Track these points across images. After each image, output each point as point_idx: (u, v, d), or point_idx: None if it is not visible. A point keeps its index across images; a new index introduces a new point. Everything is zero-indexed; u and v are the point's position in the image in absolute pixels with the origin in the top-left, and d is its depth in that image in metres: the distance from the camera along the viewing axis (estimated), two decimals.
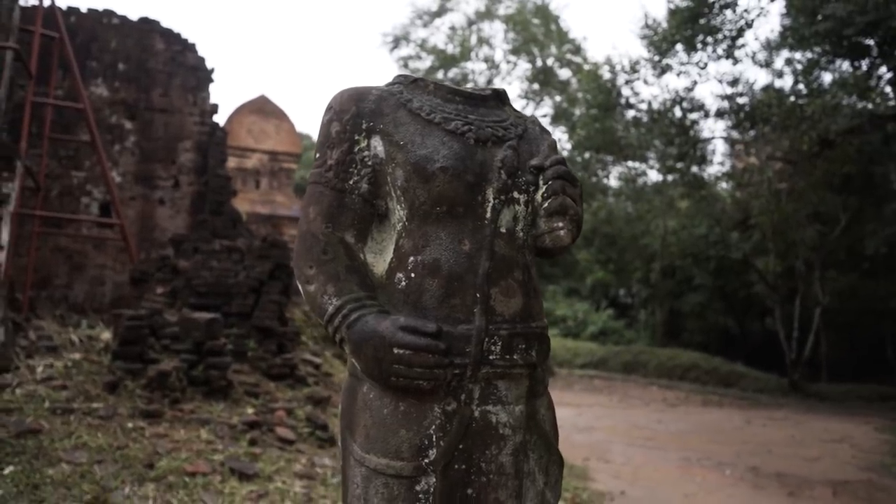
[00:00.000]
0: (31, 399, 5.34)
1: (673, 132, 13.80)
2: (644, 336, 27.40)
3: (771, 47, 13.74)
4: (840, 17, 9.75)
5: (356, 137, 1.48)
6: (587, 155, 18.03)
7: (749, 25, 12.88)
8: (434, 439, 1.35)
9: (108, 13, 12.51)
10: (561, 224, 1.44)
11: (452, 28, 21.47)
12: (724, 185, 22.85)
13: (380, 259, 1.49)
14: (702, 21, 12.65)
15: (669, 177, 17.18)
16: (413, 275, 1.42)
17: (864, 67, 11.56)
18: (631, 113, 16.12)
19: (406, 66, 21.94)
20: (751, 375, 20.26)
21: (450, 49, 21.15)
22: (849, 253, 19.78)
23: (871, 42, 10.39)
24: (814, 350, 21.33)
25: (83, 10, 12.41)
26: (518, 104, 22.48)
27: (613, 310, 29.50)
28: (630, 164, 18.89)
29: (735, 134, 15.59)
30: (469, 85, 21.51)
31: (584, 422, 10.88)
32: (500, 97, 1.63)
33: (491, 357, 1.38)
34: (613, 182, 24.77)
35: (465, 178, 1.41)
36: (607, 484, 6.35)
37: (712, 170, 22.05)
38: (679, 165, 14.83)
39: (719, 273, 23.75)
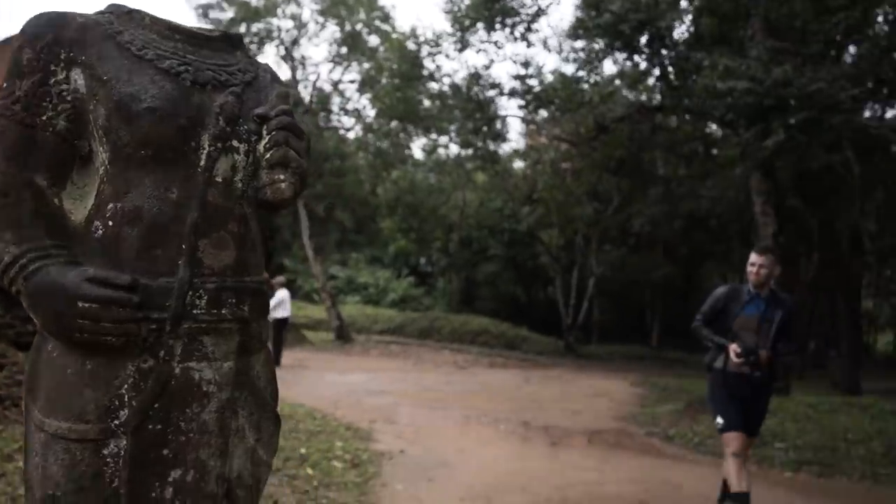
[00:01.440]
0: None
1: (471, 108, 14.34)
2: (441, 303, 28.51)
3: (560, 35, 14.71)
4: (617, 13, 10.68)
5: (52, 68, 1.31)
6: (393, 124, 18.16)
7: (543, 12, 13.66)
8: (126, 399, 1.25)
9: None
10: (282, 176, 1.39)
11: None
12: (518, 162, 24.31)
13: (80, 206, 1.34)
14: (500, 3, 13.17)
15: (467, 150, 17.89)
16: (111, 223, 1.29)
17: (639, 61, 12.82)
18: (434, 86, 16.49)
19: (206, 15, 20.51)
20: (533, 339, 21.93)
21: (254, 2, 20.02)
22: (620, 230, 22.04)
23: (643, 39, 11.51)
24: (587, 316, 23.64)
25: None
26: (325, 67, 21.98)
27: (414, 278, 30.30)
28: (433, 136, 19.33)
29: (527, 114, 16.55)
30: (274, 43, 20.64)
31: (376, 386, 11.09)
32: (232, 40, 1.53)
33: (195, 311, 1.30)
34: (418, 153, 25.31)
35: (176, 121, 1.31)
36: (389, 444, 6.53)
37: (509, 147, 23.39)
38: (475, 140, 15.47)
39: (511, 244, 25.34)
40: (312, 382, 11.02)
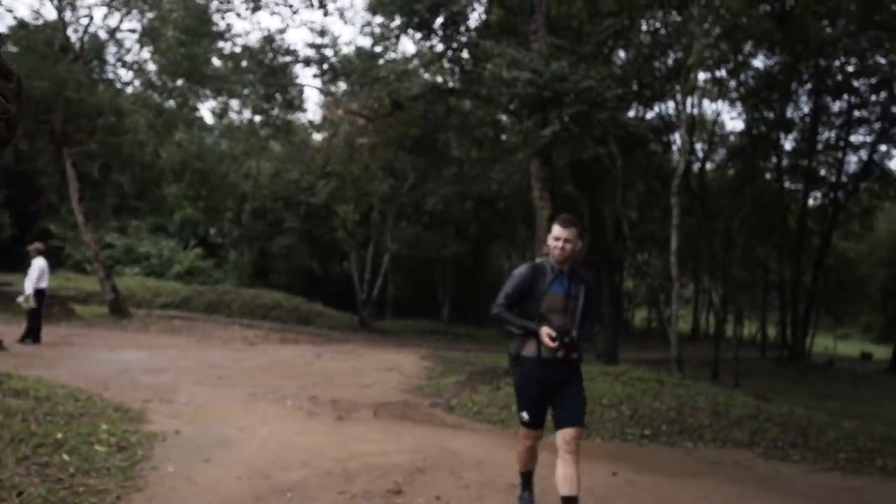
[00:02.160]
0: None
1: (263, 72, 13.79)
2: (232, 276, 27.35)
3: (358, 8, 14.62)
4: None
5: None
6: (179, 83, 16.87)
7: None
8: None
9: None
10: None
11: None
12: (318, 134, 23.89)
13: None
14: None
15: (259, 117, 17.20)
16: None
17: (434, 43, 13.14)
18: (225, 45, 15.57)
19: None
20: (327, 314, 21.89)
21: None
22: (415, 207, 22.66)
23: (438, 21, 11.82)
24: (382, 291, 24.08)
25: None
26: (100, 12, 19.70)
27: (202, 249, 28.66)
28: (223, 98, 18.30)
29: (323, 84, 16.29)
30: None
31: (154, 364, 10.37)
32: None
33: None
34: (208, 117, 23.80)
35: None
36: (163, 424, 6.14)
37: (307, 117, 22.86)
38: (268, 107, 14.93)
39: (308, 218, 24.95)
40: (79, 361, 10.03)
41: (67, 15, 16.84)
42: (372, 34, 13.39)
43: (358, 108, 16.19)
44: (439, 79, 15.61)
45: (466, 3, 11.83)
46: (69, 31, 16.96)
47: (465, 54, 13.15)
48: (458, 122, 17.45)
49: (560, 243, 3.88)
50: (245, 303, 21.59)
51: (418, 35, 12.17)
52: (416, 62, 15.60)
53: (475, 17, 13.70)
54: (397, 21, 11.93)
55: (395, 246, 22.27)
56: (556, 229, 3.94)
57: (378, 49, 13.59)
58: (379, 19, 14.68)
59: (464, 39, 12.48)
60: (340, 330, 20.24)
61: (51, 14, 18.00)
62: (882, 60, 16.81)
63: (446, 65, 13.40)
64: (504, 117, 17.26)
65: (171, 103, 18.20)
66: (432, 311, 27.63)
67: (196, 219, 27.84)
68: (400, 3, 11.18)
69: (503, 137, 19.43)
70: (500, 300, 3.98)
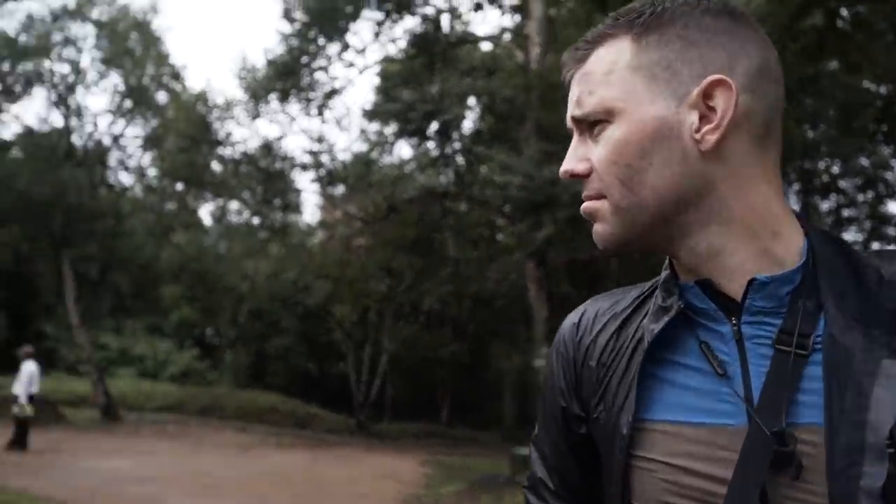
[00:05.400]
0: None
1: (262, 177, 14.19)
2: (228, 378, 26.88)
3: (354, 115, 15.22)
4: (407, 101, 11.35)
5: None
6: (177, 186, 17.31)
7: (337, 92, 14.10)
8: None
9: None
10: None
11: (30, 16, 18.59)
12: (318, 234, 24.18)
13: None
14: (295, 77, 13.40)
15: (258, 219, 17.51)
16: None
17: (431, 148, 13.60)
18: (224, 151, 16.09)
19: None
20: (323, 416, 21.39)
21: (23, 39, 18.16)
22: (412, 307, 22.58)
23: (433, 127, 12.29)
24: (381, 392, 23.65)
25: None
26: (106, 119, 20.41)
27: (199, 349, 28.33)
28: (221, 201, 18.68)
29: (320, 188, 16.70)
30: (45, 87, 18.86)
31: (143, 472, 10.07)
32: None
33: None
34: (206, 218, 24.19)
35: None
36: None
37: (305, 219, 23.24)
38: (266, 210, 15.25)
39: (305, 318, 24.80)
40: (67, 470, 9.75)
41: (73, 122, 17.49)
42: (367, 140, 13.89)
43: (355, 211, 16.54)
44: (434, 181, 16.05)
45: (459, 112, 12.33)
46: (73, 138, 17.54)
47: (459, 158, 13.56)
48: (453, 222, 17.74)
49: None
50: (240, 406, 21.15)
51: (413, 140, 12.62)
52: (411, 165, 16.05)
53: (467, 125, 14.24)
54: (393, 128, 12.41)
55: (393, 346, 22.06)
56: None
57: (374, 155, 14.05)
58: (374, 126, 15.27)
59: (457, 145, 12.91)
60: (337, 433, 19.73)
61: (57, 121, 18.65)
62: (866, 162, 17.28)
63: (441, 168, 13.82)
64: (499, 219, 17.58)
65: (171, 206, 18.60)
66: (431, 412, 27.01)
67: (193, 319, 27.72)
68: (395, 111, 11.66)
69: (499, 238, 19.67)
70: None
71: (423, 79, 11.75)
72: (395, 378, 25.82)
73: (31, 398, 11.18)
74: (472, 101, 13.90)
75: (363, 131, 13.95)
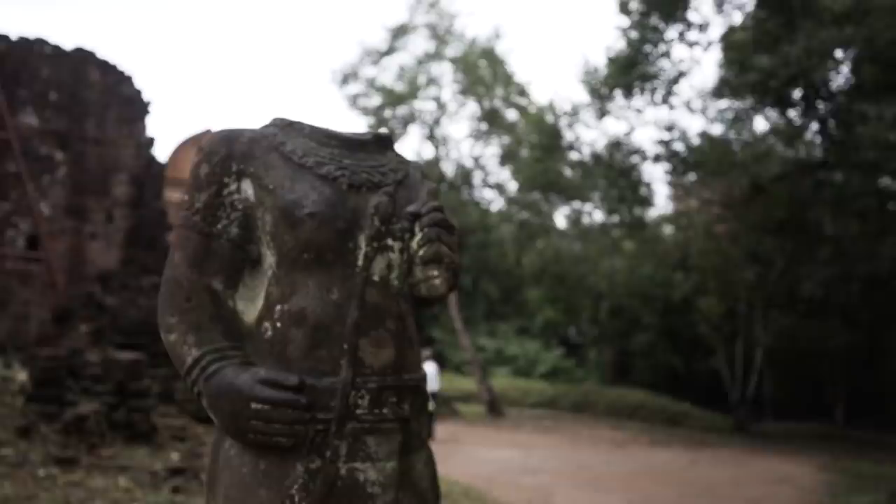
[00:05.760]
0: None
1: (613, 175, 14.18)
2: (594, 375, 27.53)
3: (705, 96, 14.30)
4: (766, 69, 10.21)
5: (225, 180, 1.43)
6: (534, 195, 18.32)
7: (683, 74, 13.40)
8: (296, 499, 1.28)
9: (40, 42, 12.24)
10: (436, 272, 1.41)
11: (401, 67, 21.73)
12: (667, 227, 23.43)
13: (251, 307, 1.43)
14: (639, 69, 13.11)
15: (613, 218, 17.57)
16: (279, 324, 1.36)
17: (793, 117, 12.09)
18: (574, 155, 16.51)
19: (355, 103, 22.11)
20: (697, 415, 20.50)
21: (398, 88, 21.34)
22: (787, 295, 20.36)
23: (796, 93, 10.90)
24: (757, 389, 21.76)
25: (13, 37, 12.12)
26: (466, 144, 22.80)
27: (564, 349, 29.61)
28: (575, 204, 19.20)
29: (674, 178, 16.08)
30: (417, 124, 21.74)
31: (531, 463, 10.78)
32: (383, 141, 1.60)
33: (358, 412, 1.33)
34: (561, 222, 25.20)
35: (335, 224, 1.37)
36: None
37: (656, 212, 22.71)
38: (620, 208, 15.20)
39: (665, 313, 24.14)
40: (465, 458, 10.90)
41: (441, 151, 19.79)
42: (722, 120, 12.94)
43: (712, 196, 15.56)
44: (802, 153, 14.26)
45: (829, 68, 10.73)
46: (442, 164, 19.85)
47: (830, 122, 11.83)
48: (829, 196, 15.54)
49: None
50: (609, 403, 21.46)
51: (773, 111, 11.36)
52: (772, 139, 14.51)
53: (839, 81, 12.33)
54: (748, 102, 11.33)
55: (768, 339, 20.14)
56: None
57: (731, 134, 13.03)
58: (723, 104, 14.16)
59: (828, 106, 11.26)
60: (713, 433, 18.73)
61: (428, 152, 21.40)
62: None
63: (809, 136, 12.19)
64: (890, 181, 14.89)
65: (529, 215, 19.80)
66: (820, 412, 23.96)
67: (556, 320, 29.12)
68: (752, 82, 10.62)
69: (890, 207, 16.65)
70: None
71: (782, 40, 10.50)
72: (772, 373, 23.56)
73: (433, 395, 12.88)
74: (838, 52, 12.04)
75: (719, 111, 13.03)
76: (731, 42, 12.09)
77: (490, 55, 20.75)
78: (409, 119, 21.37)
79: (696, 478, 10.41)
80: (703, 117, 14.95)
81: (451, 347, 27.67)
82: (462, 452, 11.63)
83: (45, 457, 5.12)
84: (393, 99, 21.09)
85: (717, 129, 15.00)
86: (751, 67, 10.65)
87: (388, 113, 21.22)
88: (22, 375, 6.76)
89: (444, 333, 27.09)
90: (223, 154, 1.44)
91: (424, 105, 21.53)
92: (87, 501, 4.58)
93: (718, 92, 13.02)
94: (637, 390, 22.96)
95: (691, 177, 15.98)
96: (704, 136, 13.98)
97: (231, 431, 1.31)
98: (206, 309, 1.38)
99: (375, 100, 21.78)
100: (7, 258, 11.37)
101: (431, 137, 21.43)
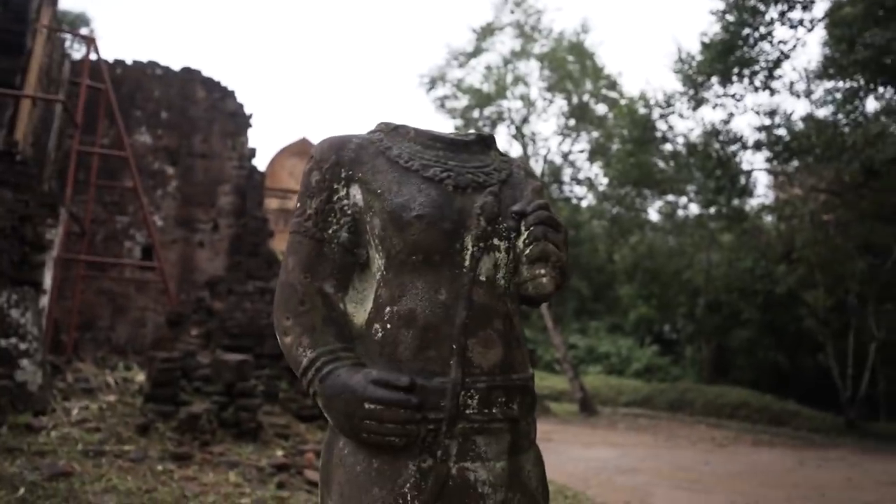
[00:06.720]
0: (64, 441, 5.42)
1: (711, 165, 13.60)
2: (691, 373, 26.65)
3: (809, 77, 13.49)
4: (879, 45, 9.53)
5: (335, 186, 1.47)
6: (626, 189, 17.86)
7: (786, 56, 12.71)
8: (409, 498, 1.30)
9: (152, 64, 13.07)
10: (543, 271, 1.40)
11: (488, 67, 21.67)
12: (768, 217, 22.34)
13: (360, 309, 1.46)
14: (737, 54, 12.52)
15: (710, 210, 16.87)
16: (389, 325, 1.39)
17: None
18: (667, 147, 15.95)
19: (443, 105, 22.21)
20: (804, 414, 19.46)
21: (486, 88, 21.31)
22: None
23: None
24: (870, 387, 20.43)
25: (128, 62, 12.99)
26: (555, 140, 22.48)
27: (658, 346, 28.83)
28: (669, 197, 18.58)
29: (776, 165, 15.27)
30: (506, 123, 21.64)
31: (627, 463, 10.55)
32: (486, 142, 1.60)
33: (468, 411, 1.34)
34: (653, 216, 24.50)
35: (442, 225, 1.39)
36: None
37: (755, 202, 21.69)
38: (719, 199, 14.57)
39: (767, 307, 23.03)
40: (559, 457, 10.79)
41: (530, 149, 19.63)
42: (830, 102, 12.15)
43: (818, 183, 14.66)
44: None
45: None
46: (531, 162, 19.67)
47: None
48: None
49: None
50: (708, 401, 20.70)
51: (889, 90, 10.57)
52: (884, 119, 13.56)
53: None
54: (859, 81, 10.59)
55: (882, 333, 18.86)
56: None
57: (839, 117, 12.23)
58: (829, 85, 13.34)
59: None
60: (822, 432, 17.73)
61: (517, 151, 21.25)
62: None
63: None
64: None
65: (621, 209, 19.34)
66: None
67: (650, 316, 28.37)
68: (863, 60, 9.94)
69: None
70: None
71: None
72: (886, 370, 22.05)
73: None
74: None
75: (826, 92, 12.24)
76: (838, 17, 11.34)
77: (578, 49, 20.37)
78: (496, 118, 21.32)
79: (804, 479, 9.89)
80: (807, 101, 14.09)
81: (542, 345, 27.47)
82: (555, 451, 11.52)
83: (163, 453, 5.44)
84: (480, 99, 21.09)
85: (823, 112, 14.12)
86: (861, 44, 9.95)
87: (475, 113, 21.24)
88: (140, 377, 7.23)
89: (535, 331, 26.92)
90: (333, 161, 1.49)
91: (512, 104, 21.42)
92: (201, 495, 4.83)
93: (824, 72, 12.26)
94: (737, 388, 22.03)
95: (794, 164, 15.13)
96: (810, 119, 13.16)
97: (345, 431, 1.35)
98: (319, 312, 1.43)
99: (463, 101, 21.85)
100: (126, 268, 12.24)
101: (519, 135, 21.31)
